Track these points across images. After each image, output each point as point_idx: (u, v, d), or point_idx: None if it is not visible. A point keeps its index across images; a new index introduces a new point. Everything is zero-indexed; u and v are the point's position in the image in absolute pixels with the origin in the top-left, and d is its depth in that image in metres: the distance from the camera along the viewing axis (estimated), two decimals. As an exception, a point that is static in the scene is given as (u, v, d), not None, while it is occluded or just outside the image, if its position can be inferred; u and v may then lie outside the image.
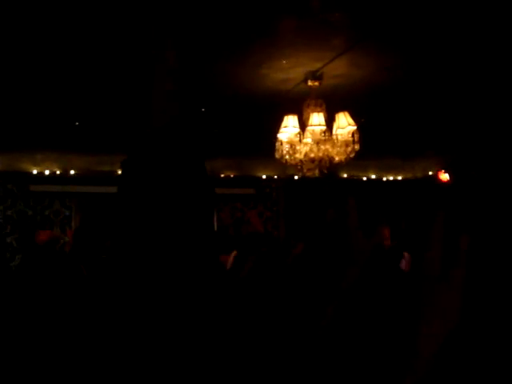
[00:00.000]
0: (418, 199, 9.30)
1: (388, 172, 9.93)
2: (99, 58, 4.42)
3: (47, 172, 7.68)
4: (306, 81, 4.92)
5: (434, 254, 1.03)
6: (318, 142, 4.65)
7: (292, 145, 4.77)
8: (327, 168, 4.93)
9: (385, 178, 10.00)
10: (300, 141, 4.76)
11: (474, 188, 8.34)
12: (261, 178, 9.05)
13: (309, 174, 4.90)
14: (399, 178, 10.07)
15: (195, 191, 1.51)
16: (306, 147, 4.69)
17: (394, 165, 9.40)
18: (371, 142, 6.91)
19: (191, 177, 1.55)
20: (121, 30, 3.89)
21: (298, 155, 4.75)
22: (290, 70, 4.81)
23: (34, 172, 7.64)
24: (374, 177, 9.82)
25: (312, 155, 4.70)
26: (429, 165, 9.48)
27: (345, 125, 4.75)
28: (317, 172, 4.81)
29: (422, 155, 8.55)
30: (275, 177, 9.09)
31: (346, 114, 4.79)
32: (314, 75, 4.86)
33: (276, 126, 5.02)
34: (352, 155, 4.81)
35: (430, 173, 9.71)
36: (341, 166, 5.11)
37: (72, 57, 4.36)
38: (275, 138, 4.99)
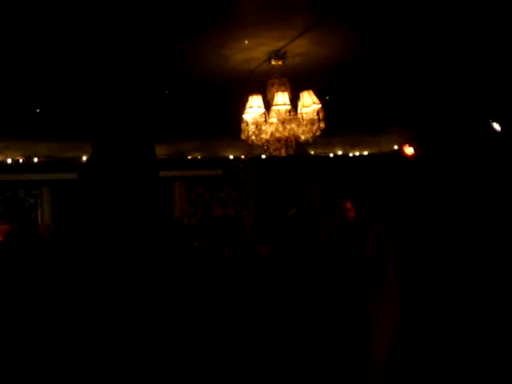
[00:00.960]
0: (383, 173, 9.42)
1: (354, 147, 10.02)
2: (58, 43, 4.32)
3: (9, 160, 7.51)
4: (269, 60, 4.91)
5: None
6: (283, 122, 4.66)
7: (258, 125, 4.77)
8: (296, 146, 4.96)
9: (351, 154, 10.09)
10: (265, 121, 4.76)
11: (437, 161, 8.47)
12: (228, 158, 9.04)
13: (275, 153, 4.91)
14: (365, 153, 10.17)
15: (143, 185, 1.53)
16: (272, 127, 4.70)
17: (360, 140, 9.49)
18: (337, 119, 6.97)
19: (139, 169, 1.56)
20: (77, 18, 3.81)
21: (263, 135, 4.76)
22: (252, 49, 4.78)
23: (-3, 161, 7.49)
24: (340, 153, 9.90)
25: (278, 135, 4.71)
26: (394, 139, 9.59)
27: (309, 103, 4.77)
28: (283, 151, 4.83)
29: (387, 130, 8.65)
30: (242, 157, 9.09)
31: (311, 92, 4.80)
32: (277, 54, 4.84)
33: (241, 106, 5.00)
34: (318, 133, 4.85)
35: (396, 147, 9.83)
36: (307, 143, 5.14)
37: (31, 42, 4.26)
38: (241, 119, 4.99)
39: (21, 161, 7.59)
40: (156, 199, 1.74)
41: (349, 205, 4.97)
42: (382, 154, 10.06)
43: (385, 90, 6.51)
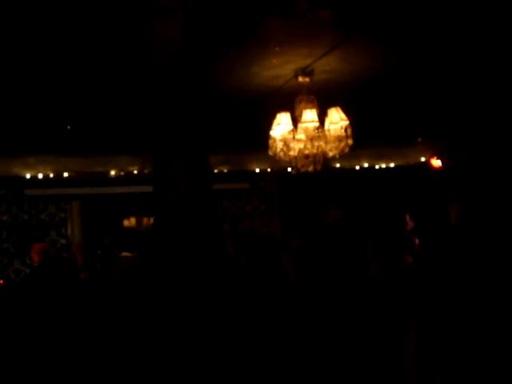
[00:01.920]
0: (410, 186, 9.35)
1: (380, 160, 9.96)
2: (91, 61, 4.42)
3: (41, 176, 7.66)
4: (296, 77, 4.94)
5: None
6: (311, 139, 4.67)
7: (285, 142, 4.79)
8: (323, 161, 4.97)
9: (377, 166, 10.03)
10: (293, 137, 4.78)
11: (465, 173, 8.39)
12: (254, 171, 9.06)
13: (303, 169, 4.92)
14: (391, 165, 10.10)
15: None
16: (300, 144, 4.72)
17: (386, 152, 9.44)
18: (363, 132, 6.96)
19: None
20: (115, 34, 3.89)
21: (291, 152, 4.78)
22: (280, 67, 4.82)
23: (28, 176, 7.62)
24: (366, 165, 9.85)
25: (306, 152, 4.73)
26: (421, 151, 9.52)
27: (337, 120, 4.78)
28: (311, 168, 4.84)
29: (413, 142, 8.60)
30: (269, 170, 9.10)
31: (338, 109, 4.81)
32: (305, 71, 4.87)
33: (268, 120, 5.04)
34: (346, 150, 4.85)
35: (423, 159, 9.75)
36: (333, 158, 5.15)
37: (63, 60, 4.36)
38: (268, 132, 5.01)
39: (51, 176, 7.73)
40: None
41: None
42: (408, 166, 9.98)
43: (411, 103, 6.49)
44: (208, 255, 1.67)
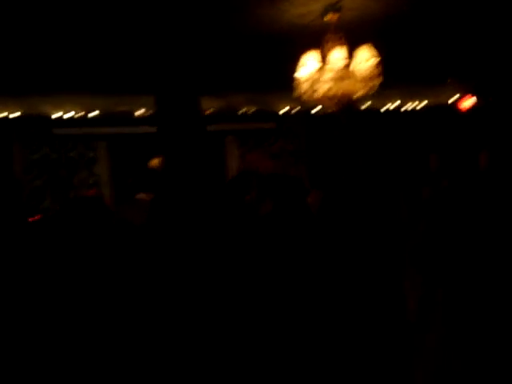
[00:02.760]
0: (440, 126, 9.19)
1: (411, 99, 9.75)
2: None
3: (68, 115, 7.72)
4: (324, 14, 4.80)
5: None
6: (338, 79, 4.58)
7: (311, 83, 4.71)
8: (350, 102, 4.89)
9: (407, 106, 9.83)
10: (319, 78, 4.69)
11: (494, 114, 8.20)
12: (281, 111, 8.98)
13: (329, 110, 4.87)
14: (422, 105, 9.89)
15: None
16: (326, 84, 4.63)
17: (417, 92, 9.22)
18: (393, 70, 6.79)
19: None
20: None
21: (317, 93, 4.70)
22: (308, 4, 4.68)
23: (56, 115, 7.70)
24: (396, 105, 9.65)
25: (332, 92, 4.65)
26: (452, 90, 9.28)
27: (366, 58, 4.66)
28: (337, 108, 4.78)
29: (444, 82, 8.36)
30: (296, 109, 9.00)
31: (367, 46, 4.68)
32: (333, 8, 4.73)
33: (296, 59, 4.94)
34: (374, 89, 4.75)
35: (454, 99, 9.52)
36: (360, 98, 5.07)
37: None
38: (294, 75, 4.93)
39: (79, 115, 7.79)
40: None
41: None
42: (439, 106, 9.76)
43: (441, 41, 6.27)
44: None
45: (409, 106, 9.73)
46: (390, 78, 5.46)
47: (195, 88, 3.83)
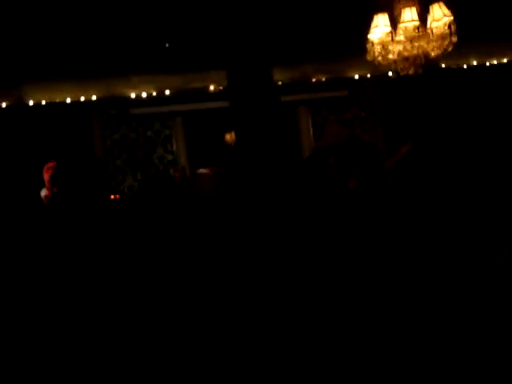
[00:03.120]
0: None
1: (491, 56, 9.24)
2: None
3: (144, 94, 7.93)
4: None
5: None
6: (411, 39, 4.42)
7: (384, 45, 4.57)
8: (426, 62, 4.70)
9: (488, 63, 9.33)
10: (392, 40, 4.54)
11: None
12: (353, 78, 8.77)
13: (403, 73, 4.71)
14: (504, 61, 9.35)
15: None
16: (399, 46, 4.48)
17: (497, 47, 8.73)
18: (470, 26, 6.44)
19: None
20: None
21: (390, 55, 4.56)
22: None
23: (133, 96, 7.92)
24: (475, 63, 9.19)
25: (406, 54, 4.49)
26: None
27: (440, 16, 4.45)
28: (412, 71, 4.61)
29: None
30: (368, 76, 8.77)
31: (441, 4, 4.47)
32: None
33: (367, 23, 4.79)
34: (450, 49, 4.54)
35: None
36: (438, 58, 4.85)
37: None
38: (366, 36, 4.79)
39: (154, 94, 7.98)
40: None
41: None
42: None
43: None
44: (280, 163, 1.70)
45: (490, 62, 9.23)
46: (468, 33, 5.18)
47: (267, 59, 3.82)
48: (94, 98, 7.72)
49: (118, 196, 7.13)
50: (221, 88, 7.93)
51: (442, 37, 4.48)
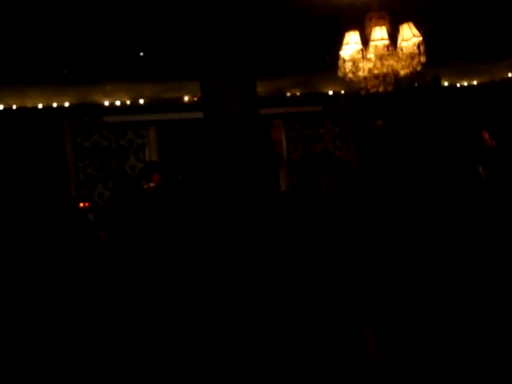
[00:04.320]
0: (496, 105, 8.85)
1: (462, 78, 9.45)
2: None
3: (118, 103, 7.89)
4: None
5: None
6: (381, 57, 4.49)
7: (354, 62, 4.64)
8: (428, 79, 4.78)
9: (459, 85, 9.53)
10: (363, 57, 4.61)
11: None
12: (327, 93, 8.88)
13: (373, 90, 4.78)
14: (475, 82, 9.56)
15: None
16: (369, 63, 4.55)
17: (469, 69, 8.92)
18: (443, 47, 6.57)
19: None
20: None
21: (361, 72, 4.63)
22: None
23: (106, 103, 7.88)
24: (446, 84, 9.38)
25: (376, 71, 4.56)
26: (508, 67, 8.92)
27: (409, 36, 4.55)
28: (381, 88, 4.68)
29: (499, 57, 8.04)
30: (342, 92, 8.89)
31: (410, 24, 4.57)
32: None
33: (340, 40, 4.86)
34: (418, 68, 4.63)
35: (510, 75, 9.16)
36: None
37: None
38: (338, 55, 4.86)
39: (128, 102, 7.95)
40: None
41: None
42: (494, 83, 9.41)
43: (493, 14, 6.01)
44: (257, 179, 1.70)
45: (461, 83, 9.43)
46: (441, 55, 5.29)
47: (248, 71, 3.84)
48: (66, 104, 7.65)
49: (87, 204, 7.07)
50: (195, 99, 7.95)
51: (411, 56, 4.57)
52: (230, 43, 3.76)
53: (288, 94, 8.80)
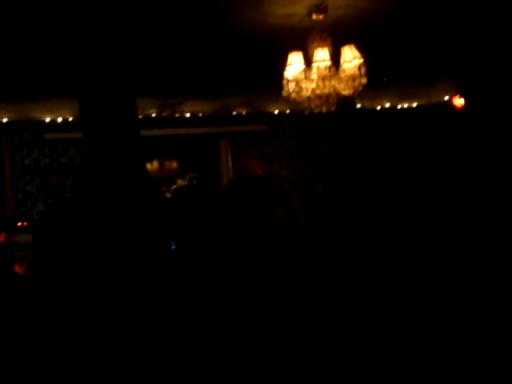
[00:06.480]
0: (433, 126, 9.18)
1: (403, 100, 9.75)
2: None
3: (59, 119, 7.72)
4: (310, 14, 4.80)
5: None
6: (323, 78, 4.59)
7: (298, 82, 4.71)
8: (341, 101, 4.89)
9: (399, 106, 9.83)
10: (306, 77, 4.69)
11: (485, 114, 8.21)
12: (273, 113, 8.98)
13: (316, 110, 4.86)
14: (414, 104, 9.89)
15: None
16: (312, 84, 4.64)
17: (408, 92, 9.23)
18: (384, 70, 6.78)
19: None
20: None
21: (304, 92, 4.71)
22: (293, 4, 4.69)
23: (47, 120, 7.69)
24: (388, 105, 9.66)
25: (318, 92, 4.65)
26: (443, 90, 9.29)
27: (350, 58, 4.67)
28: (324, 108, 4.78)
29: (436, 81, 8.37)
30: (287, 111, 9.01)
31: (352, 46, 4.69)
32: (318, 8, 4.73)
33: (285, 60, 4.94)
34: (359, 89, 4.75)
35: (446, 98, 9.52)
36: (353, 97, 5.06)
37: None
38: (281, 75, 4.93)
39: (70, 119, 7.78)
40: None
41: None
42: (431, 106, 9.76)
43: (432, 39, 6.27)
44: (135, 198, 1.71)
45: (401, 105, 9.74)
46: (382, 78, 5.45)
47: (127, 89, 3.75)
48: (4, 120, 7.42)
49: (26, 223, 6.83)
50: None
51: (353, 78, 4.69)
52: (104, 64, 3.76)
53: (234, 113, 8.84)
